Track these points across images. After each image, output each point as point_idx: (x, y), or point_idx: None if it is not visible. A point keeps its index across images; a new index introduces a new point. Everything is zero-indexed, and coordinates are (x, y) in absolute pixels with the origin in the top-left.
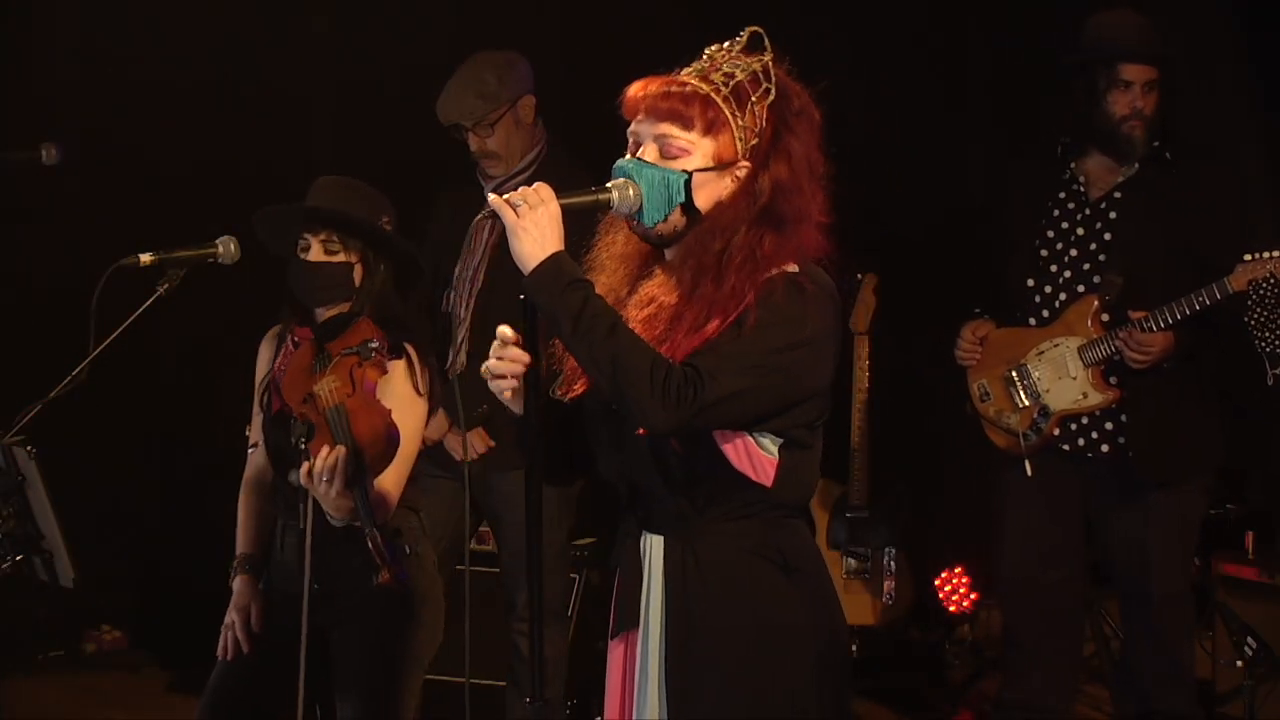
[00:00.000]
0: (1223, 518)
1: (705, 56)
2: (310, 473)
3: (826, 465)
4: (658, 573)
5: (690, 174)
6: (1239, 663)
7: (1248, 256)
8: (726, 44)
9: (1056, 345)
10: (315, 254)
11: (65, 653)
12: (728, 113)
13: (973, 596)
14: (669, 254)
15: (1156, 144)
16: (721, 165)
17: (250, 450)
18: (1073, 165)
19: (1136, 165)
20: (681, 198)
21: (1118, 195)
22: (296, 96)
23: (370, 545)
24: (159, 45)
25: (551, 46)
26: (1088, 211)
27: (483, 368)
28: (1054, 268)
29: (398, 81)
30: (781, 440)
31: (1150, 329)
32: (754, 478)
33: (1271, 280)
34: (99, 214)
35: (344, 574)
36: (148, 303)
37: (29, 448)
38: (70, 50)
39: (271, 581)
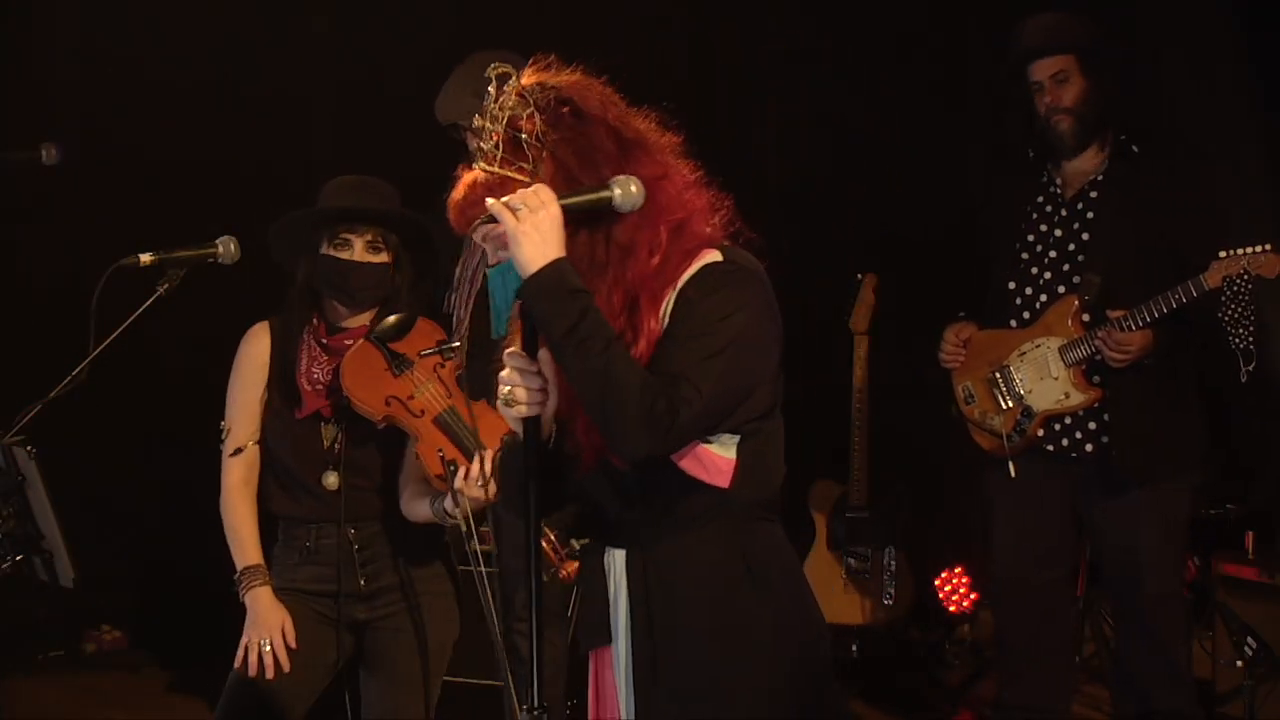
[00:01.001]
0: (1223, 518)
1: (477, 128)
2: (467, 476)
3: (827, 465)
4: (622, 588)
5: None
6: (1239, 663)
7: (1222, 253)
8: (486, 99)
9: (1038, 346)
10: (359, 254)
11: (65, 653)
12: (511, 174)
13: (973, 596)
14: None
15: (1123, 137)
16: None
17: (232, 455)
18: (1049, 168)
19: (1106, 161)
20: (517, 282)
21: (1093, 194)
22: (296, 96)
23: (546, 544)
24: (159, 45)
25: (551, 47)
26: (1064, 213)
27: (503, 397)
28: (1034, 270)
29: (398, 81)
30: (739, 436)
31: (1129, 327)
32: (709, 481)
33: (1245, 276)
34: (99, 214)
35: (386, 572)
36: (148, 303)
37: (29, 448)
38: (70, 50)
39: (297, 580)
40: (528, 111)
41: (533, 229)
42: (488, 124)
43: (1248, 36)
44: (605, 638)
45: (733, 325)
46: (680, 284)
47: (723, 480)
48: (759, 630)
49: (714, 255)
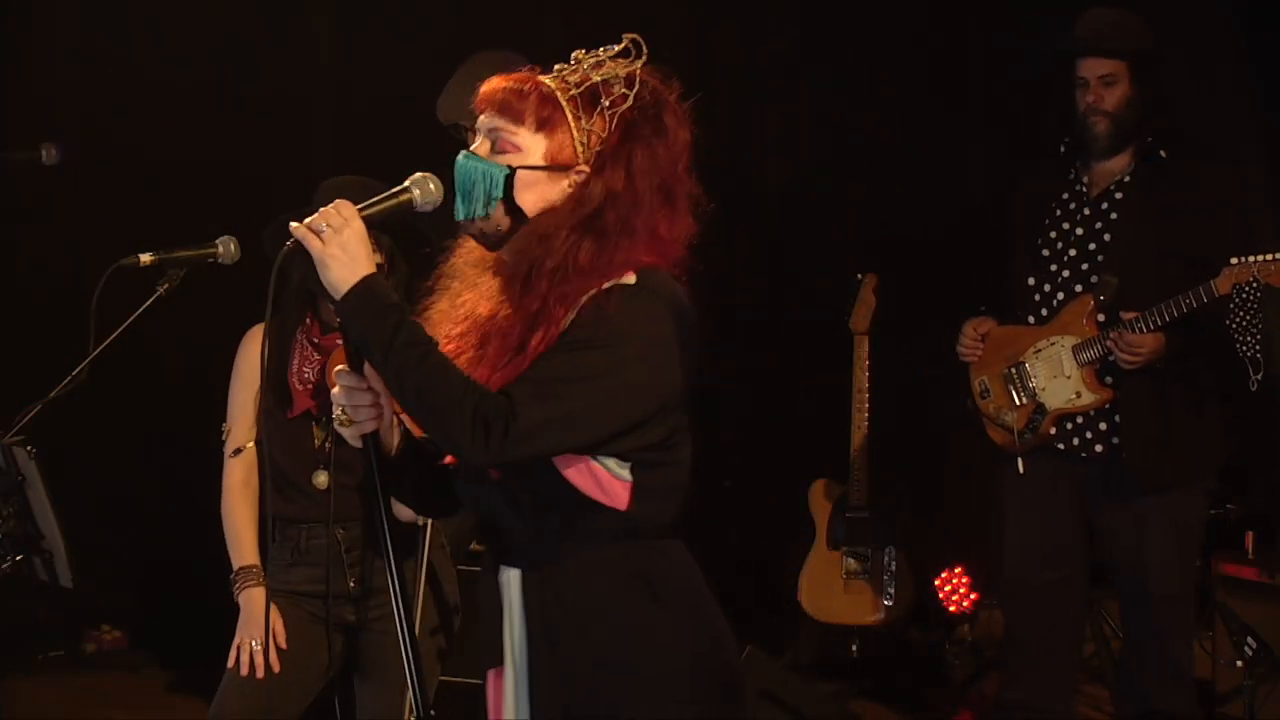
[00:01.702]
0: (1223, 518)
1: (572, 59)
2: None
3: (827, 465)
4: (517, 608)
5: (513, 170)
6: (1239, 663)
7: (1234, 260)
8: (601, 49)
9: (1053, 344)
10: None
11: (65, 653)
12: (569, 112)
13: (973, 596)
14: (504, 256)
15: (1151, 139)
16: (556, 167)
17: (232, 456)
18: (1076, 165)
19: (1133, 163)
20: (500, 194)
21: (1118, 195)
22: (296, 96)
23: None
24: (159, 45)
25: (552, 46)
26: (1087, 211)
27: (337, 417)
28: (1054, 267)
29: (398, 81)
30: (629, 463)
31: (1140, 330)
32: (606, 503)
33: (1254, 284)
34: (99, 214)
35: (379, 573)
36: (148, 303)
37: (29, 448)
38: (70, 50)
39: (290, 581)
40: (624, 92)
41: (339, 250)
42: (586, 64)
43: (1248, 36)
44: (499, 657)
45: (618, 353)
46: (584, 298)
47: (620, 503)
48: (659, 647)
49: (629, 277)
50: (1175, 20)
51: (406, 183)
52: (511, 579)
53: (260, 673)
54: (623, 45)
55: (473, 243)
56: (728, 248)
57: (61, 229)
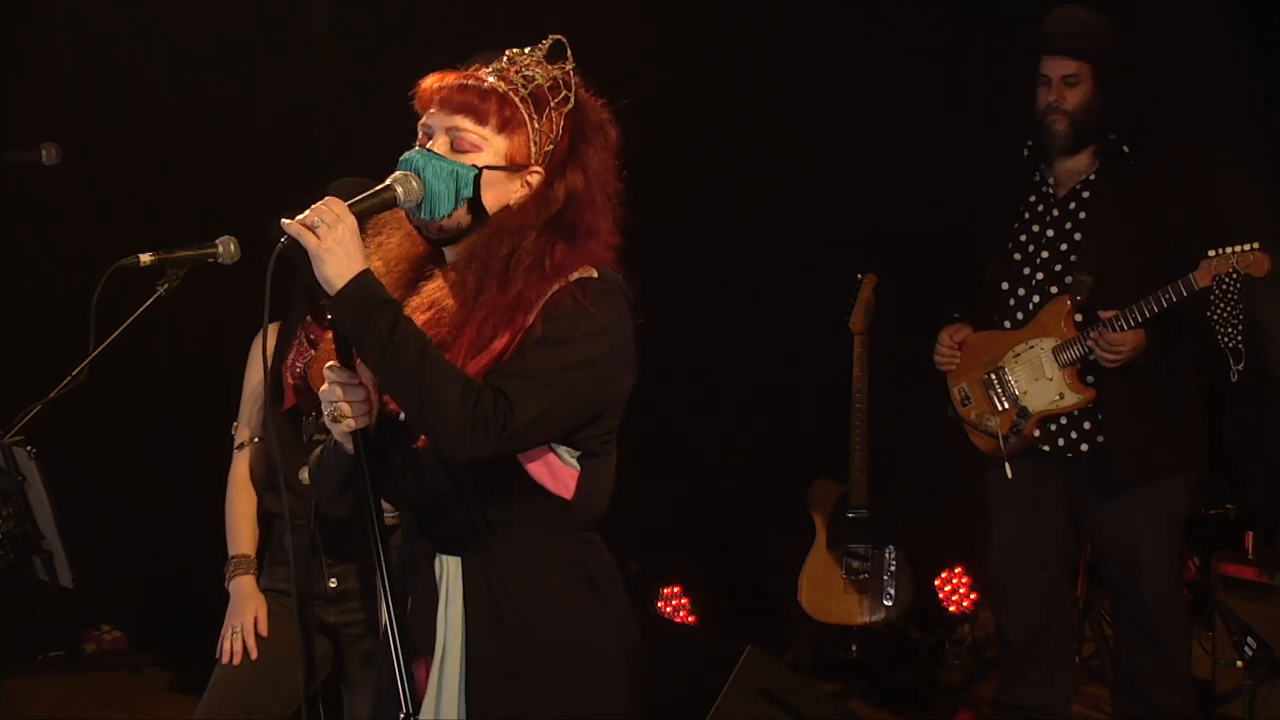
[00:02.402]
0: (1223, 518)
1: (505, 57)
2: None
3: (827, 465)
4: (456, 595)
5: (480, 169)
6: (1239, 663)
7: (1211, 252)
8: (528, 49)
9: (1032, 347)
10: None
11: (65, 653)
12: (525, 114)
13: (973, 596)
14: (449, 254)
15: (1113, 137)
16: (513, 166)
17: (237, 449)
18: (1042, 166)
19: (1097, 161)
20: (469, 193)
21: (1085, 194)
22: (297, 96)
23: None
24: (159, 45)
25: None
26: (1056, 212)
27: (329, 413)
28: (1026, 270)
29: (398, 81)
30: (579, 452)
31: (1120, 328)
32: (554, 490)
33: (1233, 275)
34: (99, 214)
35: (359, 572)
36: (148, 302)
37: (29, 448)
38: (70, 50)
39: (275, 580)
40: (566, 93)
41: (336, 244)
42: (524, 64)
43: (1248, 36)
44: (428, 646)
45: (597, 344)
46: (552, 290)
47: (566, 491)
48: (603, 636)
49: (590, 271)
50: (1175, 20)
51: (389, 180)
52: (450, 566)
53: (238, 659)
54: (550, 45)
55: (390, 238)
56: (728, 247)
57: (61, 229)
